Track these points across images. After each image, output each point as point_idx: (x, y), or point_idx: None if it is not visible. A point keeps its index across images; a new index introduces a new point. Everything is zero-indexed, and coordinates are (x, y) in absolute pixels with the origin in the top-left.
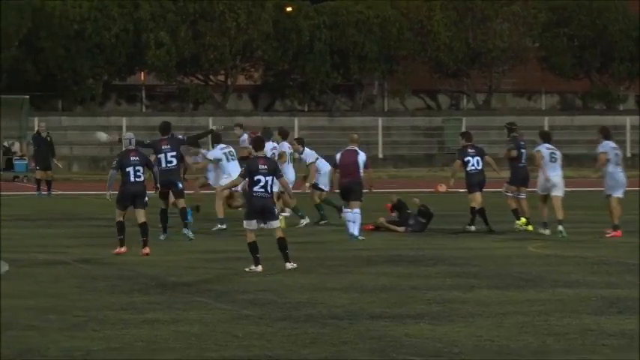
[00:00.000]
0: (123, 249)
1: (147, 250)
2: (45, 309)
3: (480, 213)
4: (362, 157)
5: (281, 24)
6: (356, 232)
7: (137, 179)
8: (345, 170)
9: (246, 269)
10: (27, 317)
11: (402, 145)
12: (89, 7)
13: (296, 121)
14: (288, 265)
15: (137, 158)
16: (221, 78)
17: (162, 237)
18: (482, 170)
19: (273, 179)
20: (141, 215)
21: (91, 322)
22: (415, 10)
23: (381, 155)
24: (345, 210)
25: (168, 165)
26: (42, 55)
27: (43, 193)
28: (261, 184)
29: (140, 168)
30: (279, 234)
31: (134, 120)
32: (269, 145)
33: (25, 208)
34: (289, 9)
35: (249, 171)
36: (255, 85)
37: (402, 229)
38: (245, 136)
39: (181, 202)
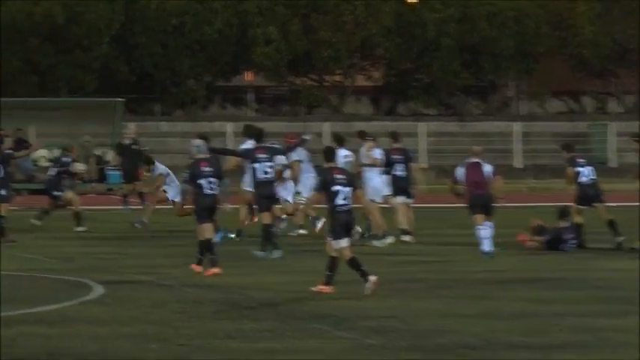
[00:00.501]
0: (216, 269)
1: (216, 270)
2: (145, 337)
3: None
4: (487, 168)
5: (404, 17)
6: (488, 248)
7: (212, 191)
8: (476, 184)
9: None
10: (125, 346)
11: (543, 154)
12: None
13: (422, 126)
14: (371, 278)
15: (210, 169)
16: (337, 78)
17: (274, 255)
18: (596, 181)
19: (351, 191)
20: (210, 230)
21: (197, 352)
22: (554, 2)
23: (519, 165)
24: (478, 227)
25: (266, 176)
26: (136, 53)
27: (132, 207)
28: (342, 195)
29: (213, 179)
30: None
31: (241, 125)
32: (342, 153)
33: (119, 224)
34: (413, 0)
35: (325, 182)
36: (375, 86)
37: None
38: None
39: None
